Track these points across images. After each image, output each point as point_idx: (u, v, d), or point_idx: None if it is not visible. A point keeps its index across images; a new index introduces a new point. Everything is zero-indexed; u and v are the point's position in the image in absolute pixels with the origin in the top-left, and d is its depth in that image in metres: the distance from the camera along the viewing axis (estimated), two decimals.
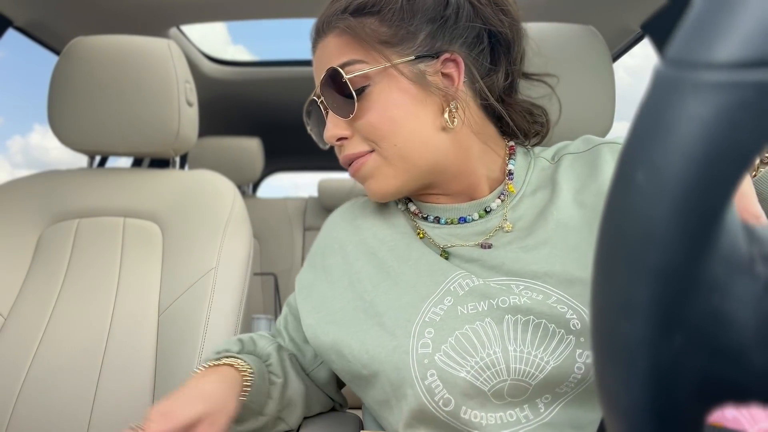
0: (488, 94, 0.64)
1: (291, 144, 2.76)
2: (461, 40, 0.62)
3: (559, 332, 0.54)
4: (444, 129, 0.62)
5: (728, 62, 0.18)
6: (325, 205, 2.41)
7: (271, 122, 2.49)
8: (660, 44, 1.30)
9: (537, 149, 0.71)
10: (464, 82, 0.62)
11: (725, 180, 0.19)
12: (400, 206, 0.71)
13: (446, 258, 0.63)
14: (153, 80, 1.02)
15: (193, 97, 1.09)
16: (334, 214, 0.77)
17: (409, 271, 0.63)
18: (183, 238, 0.98)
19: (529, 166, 0.68)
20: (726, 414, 0.20)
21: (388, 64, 0.60)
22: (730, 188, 0.19)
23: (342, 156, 0.65)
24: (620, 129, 1.00)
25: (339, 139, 0.64)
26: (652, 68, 0.21)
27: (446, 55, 0.61)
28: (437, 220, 0.67)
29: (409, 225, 0.68)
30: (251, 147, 2.33)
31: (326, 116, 0.65)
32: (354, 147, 0.63)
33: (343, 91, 0.61)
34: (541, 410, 0.55)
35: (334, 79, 0.61)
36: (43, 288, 0.95)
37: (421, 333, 0.57)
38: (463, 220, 0.66)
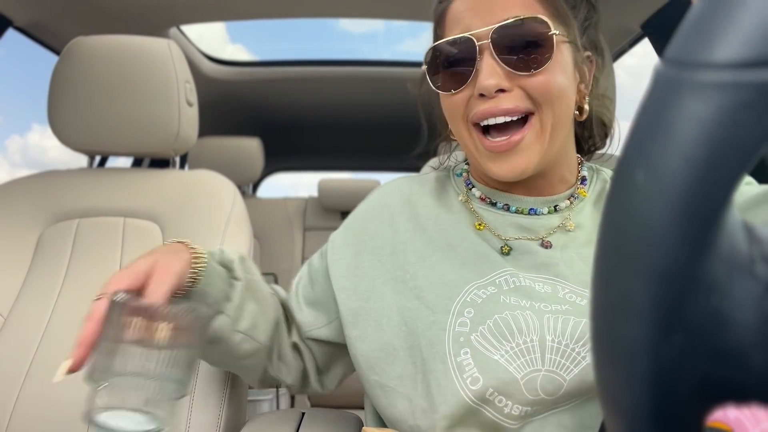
0: (595, 101, 0.68)
1: (291, 144, 2.76)
2: (592, 44, 0.66)
3: None
4: (576, 115, 0.64)
5: (728, 62, 0.18)
6: (325, 205, 2.41)
7: (271, 122, 2.49)
8: (660, 44, 1.30)
9: (596, 164, 0.74)
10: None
11: (725, 180, 0.19)
12: (461, 197, 0.70)
13: (507, 253, 0.64)
14: (153, 80, 1.02)
15: (193, 97, 1.09)
16: (387, 185, 0.76)
17: (457, 255, 0.64)
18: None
19: (592, 177, 0.71)
20: (728, 414, 0.20)
21: (569, 38, 0.61)
22: (730, 189, 0.19)
23: (497, 108, 0.59)
24: (622, 130, 1.00)
25: (498, 90, 0.59)
26: (653, 68, 0.21)
27: (588, 53, 0.65)
28: (507, 207, 0.67)
29: (467, 216, 0.68)
30: (251, 147, 2.33)
31: (480, 61, 0.59)
32: (515, 101, 0.59)
33: (530, 44, 0.58)
34: (562, 404, 0.56)
35: (524, 28, 0.58)
36: (43, 288, 0.95)
37: (461, 312, 0.59)
38: (533, 212, 0.66)
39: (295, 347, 0.73)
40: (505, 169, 0.61)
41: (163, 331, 0.47)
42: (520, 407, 0.55)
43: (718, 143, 0.18)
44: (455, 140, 0.71)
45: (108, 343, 0.48)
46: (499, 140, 0.60)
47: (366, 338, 0.64)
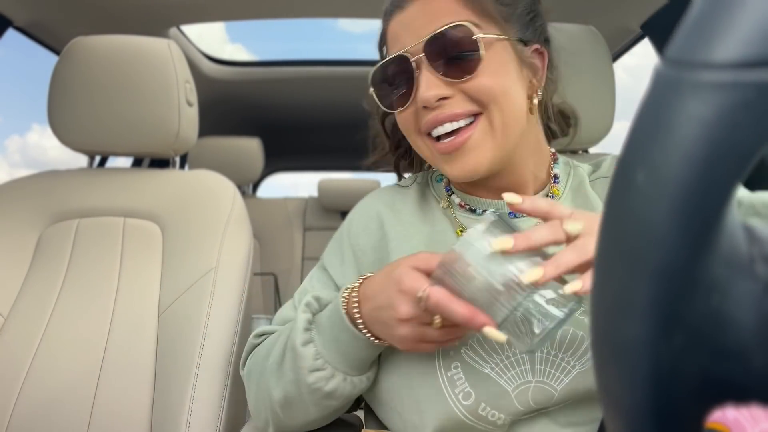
0: (552, 92, 0.69)
1: (291, 144, 2.76)
2: (543, 37, 0.67)
3: (587, 339, 0.56)
4: (529, 111, 0.64)
5: (728, 62, 0.18)
6: (325, 205, 2.41)
7: (271, 122, 2.49)
8: (660, 44, 1.30)
9: (572, 160, 0.74)
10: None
11: (725, 180, 0.19)
12: (442, 204, 0.71)
13: None
14: (153, 80, 1.02)
15: (193, 97, 1.09)
16: (371, 195, 0.77)
17: None
18: (183, 238, 0.98)
19: (569, 174, 0.71)
20: (726, 414, 0.20)
21: (504, 36, 0.61)
22: (730, 188, 0.19)
23: (443, 115, 0.60)
24: (620, 129, 1.00)
25: (440, 99, 0.60)
26: (653, 68, 0.21)
27: (536, 46, 0.65)
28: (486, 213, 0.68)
29: (448, 223, 0.69)
30: (251, 147, 2.33)
31: (418, 75, 0.61)
32: (459, 106, 0.60)
33: (458, 50, 0.59)
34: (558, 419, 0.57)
35: (450, 36, 0.59)
36: (43, 288, 0.95)
37: None
38: (512, 215, 0.66)
39: None
40: (457, 168, 0.62)
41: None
42: (511, 417, 0.56)
43: (718, 143, 0.18)
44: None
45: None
46: (447, 141, 0.61)
47: None
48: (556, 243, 0.47)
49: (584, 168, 0.72)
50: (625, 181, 0.21)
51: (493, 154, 0.61)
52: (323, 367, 0.59)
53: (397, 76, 0.63)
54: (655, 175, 0.19)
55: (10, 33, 1.29)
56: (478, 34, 0.59)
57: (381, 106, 0.66)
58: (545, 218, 0.49)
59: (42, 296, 0.94)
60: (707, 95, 0.18)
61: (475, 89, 0.59)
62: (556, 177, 0.69)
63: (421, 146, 0.65)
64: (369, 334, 0.57)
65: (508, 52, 0.62)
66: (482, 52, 0.59)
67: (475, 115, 0.60)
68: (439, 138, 0.62)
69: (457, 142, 0.60)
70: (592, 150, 1.09)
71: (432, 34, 0.59)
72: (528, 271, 0.45)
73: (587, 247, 0.45)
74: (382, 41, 0.68)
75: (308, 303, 0.63)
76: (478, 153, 0.61)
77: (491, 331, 0.47)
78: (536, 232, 0.47)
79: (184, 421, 0.82)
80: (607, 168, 0.70)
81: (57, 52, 1.41)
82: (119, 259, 0.97)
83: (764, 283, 0.19)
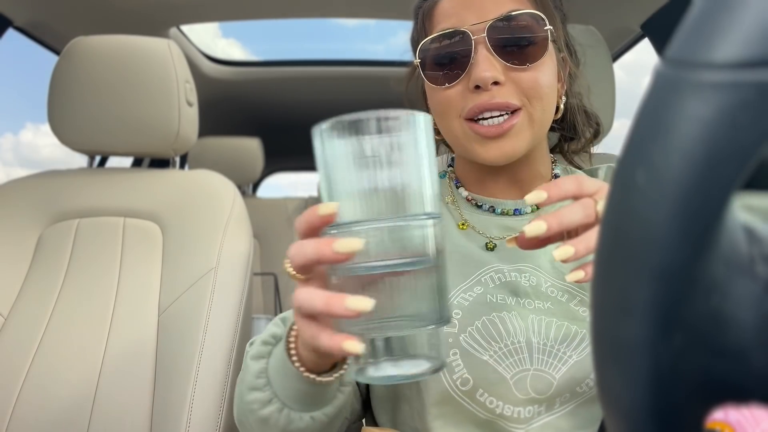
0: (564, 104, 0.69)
1: (291, 144, 2.75)
2: (566, 45, 0.68)
3: (581, 332, 0.57)
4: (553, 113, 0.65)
5: (729, 62, 0.18)
6: None
7: (271, 122, 2.49)
8: (660, 44, 1.30)
9: (569, 166, 0.75)
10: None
11: (725, 180, 0.18)
12: (447, 199, 0.71)
13: (492, 249, 0.65)
14: (153, 80, 1.02)
15: (193, 97, 1.09)
16: None
17: None
18: (183, 238, 0.98)
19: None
20: (726, 415, 0.20)
21: (555, 37, 0.62)
22: (730, 189, 0.19)
23: (491, 102, 0.59)
24: (618, 127, 1.00)
25: (493, 83, 0.59)
26: (653, 68, 0.21)
27: (564, 54, 0.66)
28: (492, 209, 0.68)
29: (450, 216, 0.69)
30: (251, 147, 2.33)
31: (476, 54, 0.59)
32: (509, 96, 0.59)
33: (527, 38, 0.59)
34: (556, 406, 0.57)
35: (521, 21, 0.59)
36: (43, 288, 0.95)
37: None
38: (517, 212, 0.67)
39: None
40: (494, 150, 0.61)
41: None
42: (511, 408, 0.56)
43: (718, 143, 0.18)
44: (438, 138, 0.71)
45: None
46: (492, 125, 0.60)
47: None
48: (587, 224, 0.43)
49: (580, 172, 0.74)
50: (625, 181, 0.21)
51: (528, 144, 0.62)
52: (263, 389, 0.53)
53: (451, 52, 0.61)
54: (655, 175, 0.19)
55: (9, 33, 1.29)
56: (549, 27, 0.60)
57: (426, 79, 0.64)
58: (576, 197, 0.45)
59: (42, 296, 0.94)
60: (707, 95, 0.18)
61: (530, 81, 0.59)
62: (556, 177, 0.71)
63: (456, 128, 0.63)
64: (296, 360, 0.49)
65: (555, 53, 0.64)
66: (550, 44, 0.60)
67: (516, 110, 0.61)
68: (477, 121, 0.61)
69: (505, 127, 0.59)
70: (592, 150, 1.09)
71: (503, 15, 0.59)
72: (532, 224, 0.41)
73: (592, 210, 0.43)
74: (426, 18, 0.65)
75: (284, 318, 0.60)
76: (519, 139, 0.61)
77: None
78: (568, 213, 0.43)
79: (184, 421, 0.82)
80: (603, 177, 0.71)
81: (57, 52, 1.41)
82: (119, 259, 0.97)
83: (764, 283, 0.19)
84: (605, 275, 0.22)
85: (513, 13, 0.59)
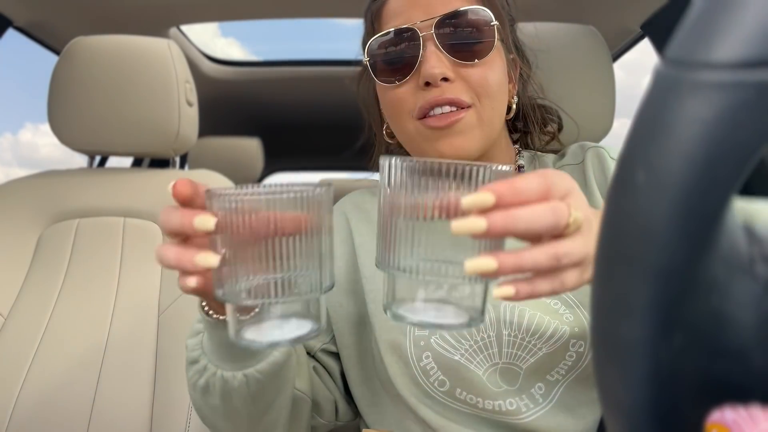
0: (520, 99, 0.70)
1: (291, 144, 2.76)
2: (515, 47, 0.69)
3: (554, 323, 0.57)
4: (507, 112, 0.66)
5: (728, 62, 0.18)
6: None
7: (271, 122, 2.49)
8: (660, 44, 1.30)
9: (538, 153, 0.75)
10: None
11: (725, 180, 0.18)
12: None
13: None
14: (153, 80, 1.02)
15: (193, 97, 1.09)
16: (342, 198, 0.78)
17: None
18: None
19: (533, 164, 0.73)
20: (726, 415, 0.20)
21: (503, 37, 0.63)
22: (730, 189, 0.19)
23: (441, 98, 0.59)
24: (620, 128, 1.00)
25: (443, 80, 0.59)
26: (653, 68, 0.21)
27: (514, 55, 0.67)
28: None
29: None
30: (251, 147, 2.33)
31: (424, 51, 0.60)
32: (458, 92, 0.59)
33: (474, 34, 0.59)
34: (539, 400, 0.58)
35: (468, 18, 0.59)
36: (43, 288, 0.95)
37: None
38: None
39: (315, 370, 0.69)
40: (446, 145, 0.60)
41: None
42: (492, 402, 0.57)
43: (718, 143, 0.18)
44: (391, 143, 0.72)
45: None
46: (440, 114, 0.60)
47: (346, 345, 0.67)
48: (556, 233, 0.36)
49: (549, 158, 0.73)
50: (625, 181, 0.21)
51: (479, 143, 0.62)
52: (199, 358, 0.54)
53: (400, 49, 0.61)
54: (655, 175, 0.19)
55: (9, 33, 1.29)
56: (496, 23, 0.60)
57: (376, 79, 0.64)
58: (542, 200, 0.36)
59: (42, 296, 0.94)
60: (707, 95, 0.18)
61: (479, 77, 0.60)
62: (520, 167, 0.71)
63: (409, 129, 0.63)
64: (209, 309, 0.50)
65: (504, 52, 0.64)
66: (497, 40, 0.60)
67: (467, 107, 0.61)
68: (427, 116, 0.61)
69: (451, 119, 0.59)
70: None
71: (450, 12, 0.59)
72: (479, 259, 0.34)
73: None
74: (375, 18, 0.66)
75: None
76: (468, 137, 0.61)
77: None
78: (535, 218, 0.34)
79: (184, 420, 0.82)
80: (572, 155, 0.71)
81: (57, 52, 1.41)
82: (119, 259, 0.97)
83: (764, 283, 0.19)
84: (605, 275, 0.22)
85: (460, 9, 0.59)
